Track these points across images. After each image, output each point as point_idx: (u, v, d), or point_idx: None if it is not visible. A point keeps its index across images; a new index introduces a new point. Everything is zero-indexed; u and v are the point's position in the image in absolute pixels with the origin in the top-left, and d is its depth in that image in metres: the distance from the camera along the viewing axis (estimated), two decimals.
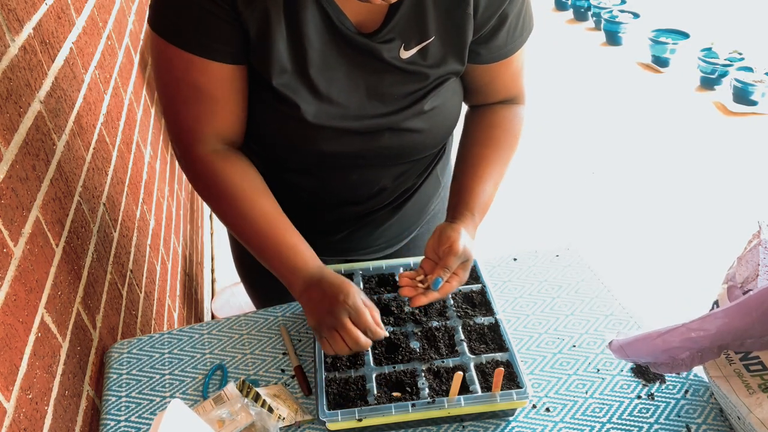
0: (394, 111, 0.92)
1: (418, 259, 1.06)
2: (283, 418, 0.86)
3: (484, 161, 0.98)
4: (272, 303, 1.12)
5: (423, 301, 0.88)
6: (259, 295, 1.30)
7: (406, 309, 0.97)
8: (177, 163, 2.22)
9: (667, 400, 0.89)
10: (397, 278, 1.03)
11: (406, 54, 0.88)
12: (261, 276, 1.26)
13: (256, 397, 0.86)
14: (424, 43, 0.88)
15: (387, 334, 0.86)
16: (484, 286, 1.01)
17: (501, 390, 0.82)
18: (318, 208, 1.06)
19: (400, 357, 0.90)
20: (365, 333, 0.83)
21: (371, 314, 0.84)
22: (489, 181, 0.97)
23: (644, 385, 0.91)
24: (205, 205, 2.89)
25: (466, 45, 0.90)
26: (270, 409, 0.85)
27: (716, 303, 0.83)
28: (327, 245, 1.15)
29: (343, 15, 0.83)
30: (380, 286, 1.03)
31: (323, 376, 0.86)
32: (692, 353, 0.79)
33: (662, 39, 4.35)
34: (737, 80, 3.77)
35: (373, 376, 0.87)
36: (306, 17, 0.82)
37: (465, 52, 0.91)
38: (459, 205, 0.95)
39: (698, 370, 0.91)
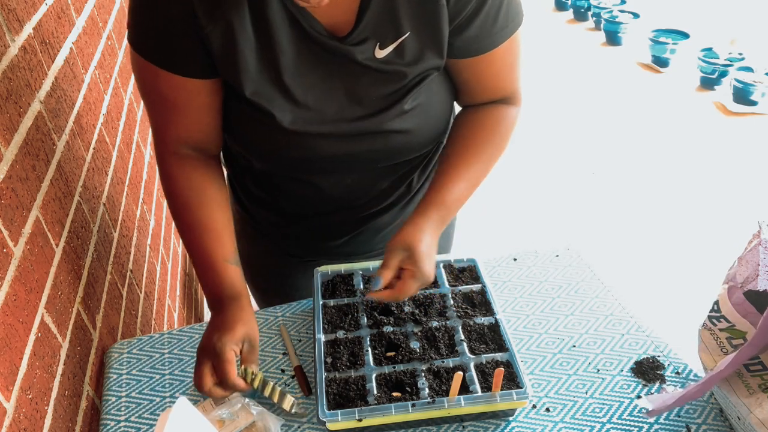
0: (374, 113, 0.90)
1: None
2: (298, 404, 0.86)
3: (462, 160, 0.96)
4: (275, 302, 1.12)
5: (374, 296, 0.89)
6: (262, 295, 1.30)
7: (406, 309, 0.97)
8: None
9: None
10: None
11: (381, 53, 0.85)
12: (265, 277, 1.27)
13: (263, 385, 0.86)
14: (400, 40, 0.85)
15: (242, 387, 0.85)
16: (484, 286, 1.01)
17: (501, 390, 0.82)
18: (316, 213, 1.06)
19: (400, 357, 0.90)
20: (223, 382, 0.84)
21: (229, 367, 0.83)
22: (462, 180, 0.95)
23: (644, 385, 0.91)
24: None
25: (443, 37, 0.87)
26: (282, 395, 0.86)
27: (716, 303, 0.83)
28: (329, 250, 1.14)
29: (313, 19, 0.82)
30: None
31: (323, 376, 0.86)
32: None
33: (662, 39, 4.35)
34: (737, 80, 3.77)
35: (373, 376, 0.87)
36: (275, 24, 0.81)
37: (443, 45, 0.88)
38: (424, 201, 0.93)
39: (698, 370, 0.91)
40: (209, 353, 0.85)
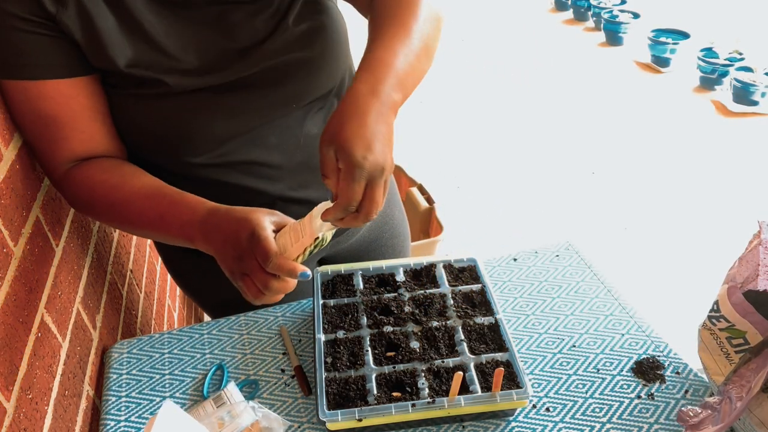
0: (261, 41, 0.83)
1: (419, 259, 1.06)
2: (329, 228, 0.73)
3: (382, 25, 0.78)
4: (225, 312, 1.07)
5: (328, 215, 0.70)
6: (208, 304, 1.20)
7: (406, 309, 0.97)
8: None
9: (667, 400, 0.89)
10: (397, 278, 1.03)
11: None
12: (207, 288, 1.12)
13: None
14: None
15: (304, 271, 0.71)
16: (484, 286, 1.01)
17: (501, 390, 0.83)
18: (265, 201, 0.95)
19: (400, 357, 0.90)
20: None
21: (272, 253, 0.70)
22: (393, 37, 0.75)
23: (644, 385, 0.91)
24: None
25: None
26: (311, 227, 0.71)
27: (716, 303, 0.83)
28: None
29: None
30: (380, 286, 1.03)
31: (323, 376, 0.86)
32: None
33: (662, 39, 4.35)
34: (737, 80, 3.77)
35: (373, 376, 0.87)
36: None
37: None
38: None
39: (698, 370, 0.91)
40: (244, 260, 0.71)
